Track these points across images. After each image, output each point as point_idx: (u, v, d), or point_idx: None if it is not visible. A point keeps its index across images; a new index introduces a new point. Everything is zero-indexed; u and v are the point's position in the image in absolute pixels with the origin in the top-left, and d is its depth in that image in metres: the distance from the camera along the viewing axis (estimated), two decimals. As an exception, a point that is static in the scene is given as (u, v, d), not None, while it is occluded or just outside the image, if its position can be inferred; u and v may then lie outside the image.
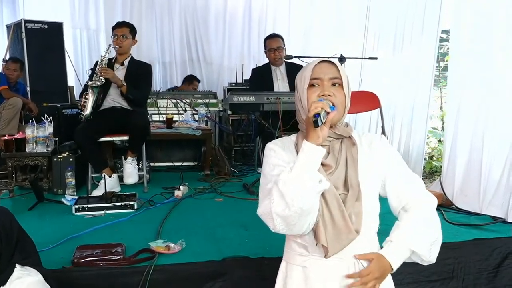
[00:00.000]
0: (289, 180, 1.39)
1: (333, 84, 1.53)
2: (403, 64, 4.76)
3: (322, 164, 1.48)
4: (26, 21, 5.62)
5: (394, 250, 1.51)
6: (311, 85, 1.53)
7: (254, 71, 5.16)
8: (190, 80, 6.64)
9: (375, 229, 1.59)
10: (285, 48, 4.88)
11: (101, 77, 3.96)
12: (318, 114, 1.38)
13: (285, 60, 4.86)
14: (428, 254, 1.52)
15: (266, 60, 5.03)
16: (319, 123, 1.39)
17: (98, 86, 3.99)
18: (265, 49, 4.94)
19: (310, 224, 1.44)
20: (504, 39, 3.27)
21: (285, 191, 1.38)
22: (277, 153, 1.56)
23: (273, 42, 4.82)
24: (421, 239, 1.51)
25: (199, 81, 6.77)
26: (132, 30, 4.24)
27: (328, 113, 1.41)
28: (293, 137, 1.64)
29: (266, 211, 1.43)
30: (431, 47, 4.35)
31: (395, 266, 1.50)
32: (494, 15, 3.34)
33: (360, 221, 1.48)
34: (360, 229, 1.48)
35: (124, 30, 4.18)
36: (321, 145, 1.47)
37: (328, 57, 4.09)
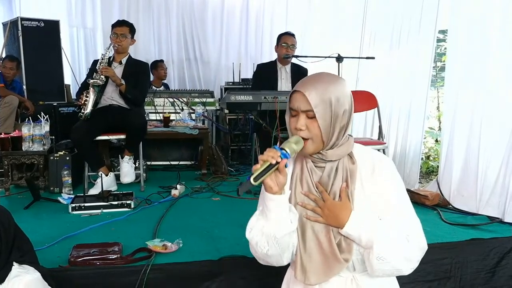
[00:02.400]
0: (254, 227, 1.45)
1: (308, 116, 1.45)
2: (400, 64, 4.77)
3: (316, 187, 1.50)
4: (22, 19, 5.59)
5: (361, 220, 1.42)
6: (292, 113, 1.49)
7: (259, 66, 5.12)
8: (155, 67, 6.42)
9: None
10: (296, 48, 4.86)
11: (102, 76, 3.95)
12: (249, 177, 1.33)
13: (292, 62, 4.86)
14: (376, 261, 1.39)
15: (264, 59, 5.02)
16: (250, 184, 1.33)
17: (99, 85, 3.98)
18: (277, 44, 4.90)
19: (291, 257, 1.49)
20: (500, 40, 3.28)
21: (250, 237, 1.46)
22: None
23: (289, 39, 4.78)
24: (387, 244, 1.39)
25: (162, 60, 6.64)
26: (132, 29, 4.24)
27: (277, 163, 1.33)
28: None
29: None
30: (428, 47, 4.35)
31: (347, 227, 1.42)
32: (490, 16, 3.36)
33: (350, 248, 1.45)
34: (350, 257, 1.45)
35: (124, 29, 4.17)
36: (317, 166, 1.50)
37: (325, 57, 4.10)
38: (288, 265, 1.63)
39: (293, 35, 4.85)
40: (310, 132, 1.44)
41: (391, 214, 1.45)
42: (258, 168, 1.33)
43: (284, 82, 4.83)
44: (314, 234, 1.47)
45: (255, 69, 5.13)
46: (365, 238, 1.41)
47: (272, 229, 1.41)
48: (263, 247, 1.43)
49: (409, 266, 1.43)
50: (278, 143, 1.46)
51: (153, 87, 6.08)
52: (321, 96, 1.43)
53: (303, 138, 1.44)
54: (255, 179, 1.32)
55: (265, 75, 4.84)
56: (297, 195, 1.51)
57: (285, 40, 4.76)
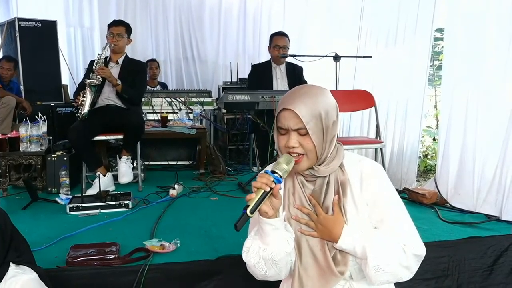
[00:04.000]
0: (251, 249, 1.45)
1: (300, 134, 1.42)
2: (397, 62, 4.76)
3: (309, 201, 1.49)
4: (19, 19, 5.59)
5: (354, 233, 1.41)
6: (280, 132, 1.46)
7: (255, 67, 5.14)
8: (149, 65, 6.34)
9: None
10: (289, 48, 4.87)
11: (98, 76, 3.95)
12: (245, 209, 1.29)
13: (286, 60, 4.86)
14: (373, 271, 1.38)
15: (261, 59, 5.03)
16: (247, 217, 1.31)
17: (96, 85, 3.97)
18: (269, 45, 4.90)
19: (286, 273, 1.49)
20: (497, 39, 3.29)
21: (247, 260, 1.46)
22: None
23: (280, 40, 4.79)
24: (383, 254, 1.38)
25: (153, 59, 6.57)
26: (128, 29, 4.23)
27: (271, 189, 1.32)
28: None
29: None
30: (425, 45, 4.36)
31: (341, 242, 1.41)
32: (487, 14, 3.36)
33: (346, 260, 1.45)
34: (346, 270, 1.45)
35: (120, 29, 4.16)
36: (308, 180, 1.50)
37: (323, 56, 4.11)
38: None
39: (284, 35, 4.85)
40: (304, 148, 1.42)
41: (385, 223, 1.44)
42: (253, 198, 1.31)
43: (279, 81, 4.83)
44: (309, 249, 1.47)
45: (246, 73, 5.14)
46: (360, 251, 1.40)
47: (269, 253, 1.41)
48: (261, 269, 1.44)
49: (407, 274, 1.43)
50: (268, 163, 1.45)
51: (148, 87, 6.06)
52: (311, 111, 1.40)
53: (298, 154, 1.42)
54: (252, 212, 1.30)
55: (260, 75, 4.85)
56: (290, 209, 1.51)
57: (276, 42, 4.77)
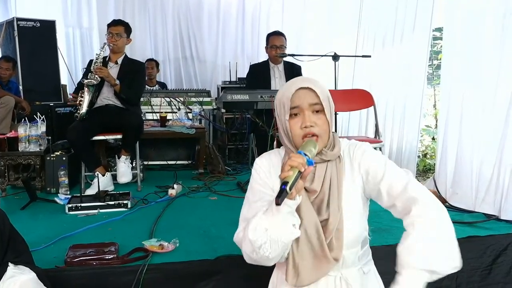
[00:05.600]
0: (259, 228, 1.39)
1: (315, 111, 1.47)
2: (396, 62, 4.77)
3: (307, 190, 1.48)
4: (18, 19, 5.59)
5: (409, 279, 1.32)
6: (293, 114, 1.48)
7: (253, 67, 5.14)
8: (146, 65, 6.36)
9: (364, 246, 1.57)
10: (286, 47, 4.87)
11: (96, 76, 3.94)
12: (284, 185, 1.28)
13: (284, 60, 4.86)
14: (449, 268, 1.34)
15: (260, 58, 5.03)
16: (286, 194, 1.29)
17: (93, 85, 3.97)
18: (266, 45, 4.91)
19: (283, 257, 1.47)
20: (495, 38, 3.28)
21: (254, 239, 1.39)
22: (261, 176, 1.56)
23: (276, 40, 4.79)
24: (438, 254, 1.33)
25: (150, 59, 6.57)
26: (127, 29, 4.22)
27: (301, 172, 1.32)
28: (282, 151, 1.62)
29: (238, 242, 1.48)
30: (424, 45, 4.36)
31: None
32: (485, 13, 3.35)
33: (340, 247, 1.45)
34: (340, 256, 1.45)
35: (119, 29, 4.16)
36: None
37: (321, 55, 4.11)
38: (273, 267, 1.64)
39: (281, 34, 4.86)
40: (320, 128, 1.46)
41: (385, 176, 1.46)
42: (290, 176, 1.29)
43: (278, 81, 4.84)
44: (307, 238, 1.46)
45: (244, 72, 5.14)
46: (426, 277, 1.33)
47: (278, 234, 1.38)
48: (265, 250, 1.40)
49: (452, 228, 1.38)
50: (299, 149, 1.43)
51: (147, 87, 6.05)
52: (323, 91, 1.48)
53: (313, 135, 1.45)
54: (290, 188, 1.29)
55: (258, 75, 4.85)
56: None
57: (273, 42, 4.77)
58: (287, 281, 1.47)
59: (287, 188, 1.28)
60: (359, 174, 1.52)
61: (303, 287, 1.47)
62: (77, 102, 3.94)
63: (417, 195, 1.40)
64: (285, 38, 4.86)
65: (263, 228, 1.39)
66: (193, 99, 5.62)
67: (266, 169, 1.56)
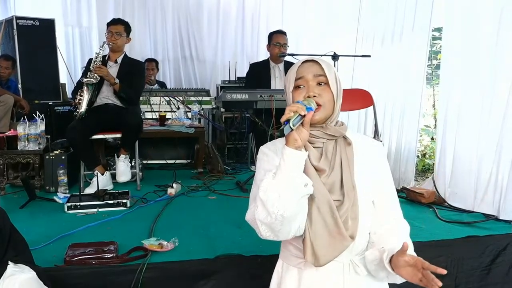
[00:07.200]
0: (270, 187, 1.36)
1: (319, 83, 1.49)
2: (395, 62, 4.77)
3: (316, 169, 1.46)
4: (17, 18, 5.58)
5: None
6: (297, 87, 1.51)
7: (253, 66, 5.14)
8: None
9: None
10: (289, 46, 4.87)
11: (96, 75, 3.94)
12: (287, 121, 1.33)
13: (285, 59, 4.86)
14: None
15: (260, 58, 5.02)
16: (289, 129, 1.33)
17: (93, 84, 3.97)
18: (268, 43, 4.90)
19: (300, 228, 1.42)
20: (494, 38, 3.28)
21: (265, 199, 1.35)
22: (269, 157, 1.54)
23: (280, 38, 4.79)
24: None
25: (150, 59, 6.58)
26: (127, 28, 4.22)
27: (303, 116, 1.34)
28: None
29: (251, 218, 1.43)
30: (423, 44, 4.36)
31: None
32: (484, 13, 3.36)
33: (356, 226, 1.44)
34: (356, 234, 1.44)
35: (119, 28, 4.16)
36: (314, 147, 1.48)
37: (321, 55, 4.11)
38: (276, 259, 1.64)
39: (284, 33, 4.85)
40: (323, 98, 1.47)
41: (385, 200, 1.53)
42: (292, 116, 1.33)
43: (277, 80, 4.83)
44: (320, 215, 1.44)
45: (244, 71, 5.13)
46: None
47: (287, 183, 1.35)
48: (279, 207, 1.34)
49: None
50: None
51: (146, 85, 6.04)
52: (328, 65, 1.52)
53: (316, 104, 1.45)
54: (293, 125, 1.32)
55: (258, 74, 4.85)
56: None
57: (277, 40, 4.77)
58: (306, 259, 1.45)
59: (290, 124, 1.32)
60: (371, 168, 1.53)
61: (321, 266, 1.45)
62: (77, 101, 3.93)
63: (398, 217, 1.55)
64: (287, 39, 4.87)
65: (273, 185, 1.35)
66: (192, 98, 5.63)
67: (273, 152, 1.55)
